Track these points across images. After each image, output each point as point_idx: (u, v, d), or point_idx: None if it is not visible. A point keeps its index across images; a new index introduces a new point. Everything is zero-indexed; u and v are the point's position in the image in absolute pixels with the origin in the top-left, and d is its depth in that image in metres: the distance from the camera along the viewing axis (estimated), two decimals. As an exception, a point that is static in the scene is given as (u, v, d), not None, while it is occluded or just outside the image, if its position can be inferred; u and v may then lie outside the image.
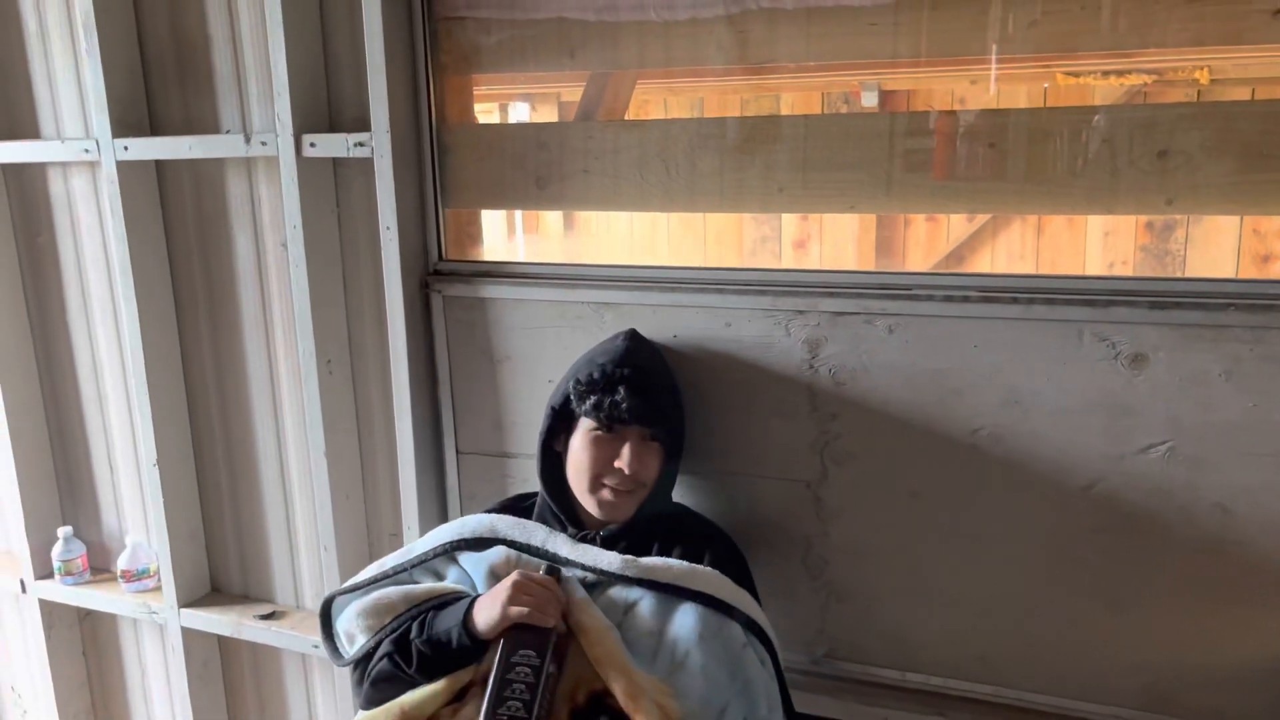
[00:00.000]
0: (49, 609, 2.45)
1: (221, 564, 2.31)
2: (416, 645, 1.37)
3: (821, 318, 1.61)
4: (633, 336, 1.63)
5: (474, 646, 1.34)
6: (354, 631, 1.47)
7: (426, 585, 1.48)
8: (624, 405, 1.47)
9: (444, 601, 1.43)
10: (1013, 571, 1.59)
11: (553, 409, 1.55)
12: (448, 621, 1.37)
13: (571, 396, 1.52)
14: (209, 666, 2.36)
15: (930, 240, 4.11)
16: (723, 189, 1.69)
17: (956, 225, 4.03)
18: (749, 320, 1.66)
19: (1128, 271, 3.50)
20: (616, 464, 1.49)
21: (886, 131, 1.57)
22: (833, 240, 4.07)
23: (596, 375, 1.50)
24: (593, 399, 1.49)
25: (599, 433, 1.50)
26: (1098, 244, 3.68)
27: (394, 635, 1.41)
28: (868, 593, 1.69)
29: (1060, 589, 1.57)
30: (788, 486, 1.69)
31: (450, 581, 1.51)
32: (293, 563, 2.23)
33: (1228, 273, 3.53)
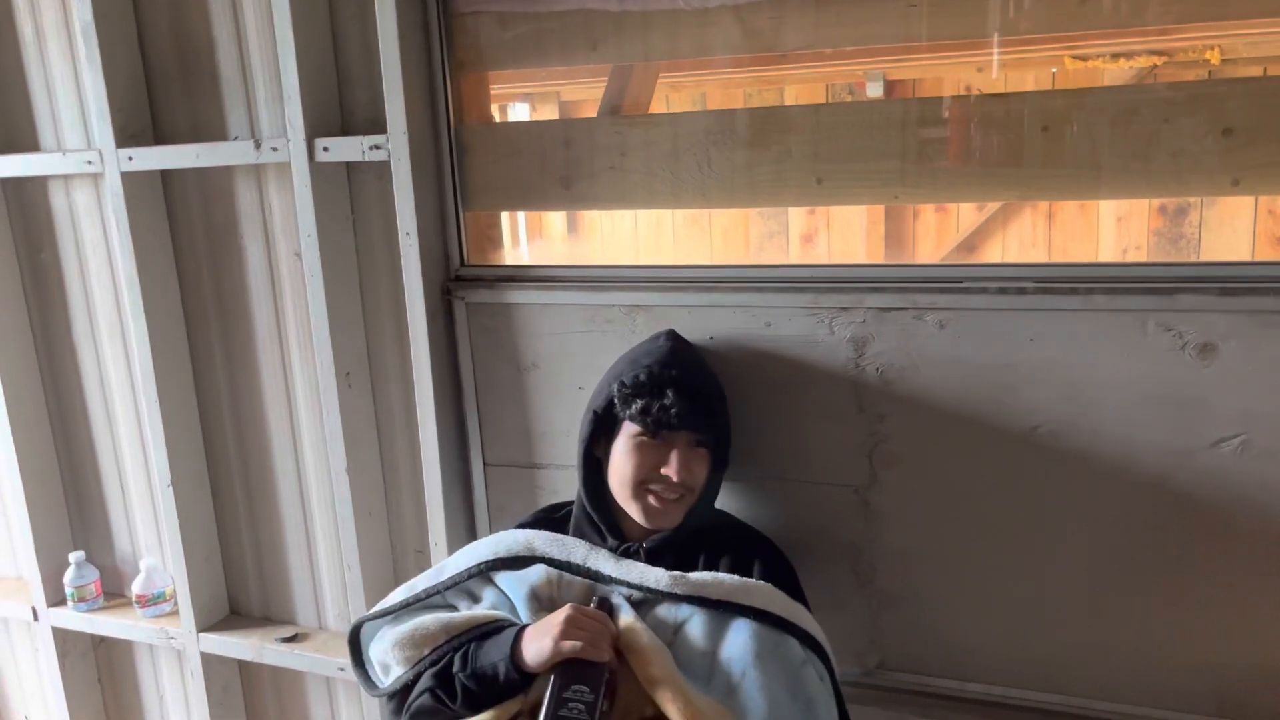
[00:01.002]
0: (62, 636, 2.38)
1: (240, 586, 2.24)
2: (460, 679, 1.30)
3: (867, 314, 1.54)
4: (674, 336, 1.56)
5: (521, 680, 1.27)
6: (389, 662, 1.39)
7: (466, 614, 1.40)
8: (673, 410, 1.38)
9: (485, 631, 1.35)
10: (1075, 574, 1.52)
11: (595, 413, 1.46)
12: (494, 654, 1.29)
13: (616, 400, 1.43)
14: (229, 692, 2.29)
15: (940, 230, 4.04)
16: (760, 182, 1.62)
17: (966, 214, 3.97)
18: (790, 319, 1.59)
19: (1141, 257, 3.44)
20: (664, 471, 1.41)
21: (934, 118, 1.50)
22: (841, 233, 4.00)
23: (643, 377, 1.42)
24: (639, 403, 1.40)
25: (644, 438, 1.42)
26: (1110, 230, 3.62)
27: (435, 669, 1.33)
28: (921, 600, 1.62)
29: (1126, 591, 1.50)
30: (835, 491, 1.62)
31: (487, 604, 1.43)
32: (314, 583, 2.16)
33: (1242, 255, 3.47)
